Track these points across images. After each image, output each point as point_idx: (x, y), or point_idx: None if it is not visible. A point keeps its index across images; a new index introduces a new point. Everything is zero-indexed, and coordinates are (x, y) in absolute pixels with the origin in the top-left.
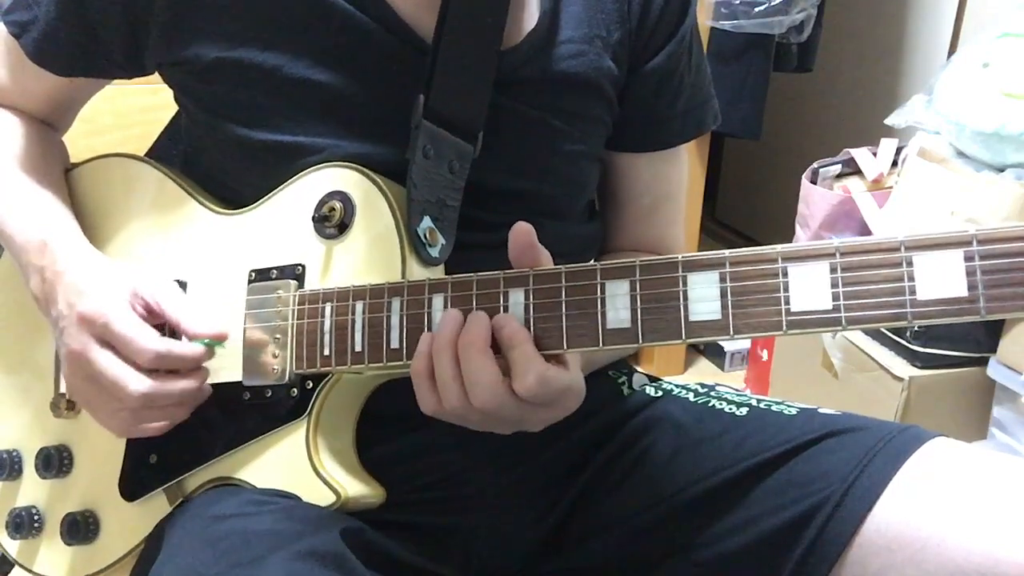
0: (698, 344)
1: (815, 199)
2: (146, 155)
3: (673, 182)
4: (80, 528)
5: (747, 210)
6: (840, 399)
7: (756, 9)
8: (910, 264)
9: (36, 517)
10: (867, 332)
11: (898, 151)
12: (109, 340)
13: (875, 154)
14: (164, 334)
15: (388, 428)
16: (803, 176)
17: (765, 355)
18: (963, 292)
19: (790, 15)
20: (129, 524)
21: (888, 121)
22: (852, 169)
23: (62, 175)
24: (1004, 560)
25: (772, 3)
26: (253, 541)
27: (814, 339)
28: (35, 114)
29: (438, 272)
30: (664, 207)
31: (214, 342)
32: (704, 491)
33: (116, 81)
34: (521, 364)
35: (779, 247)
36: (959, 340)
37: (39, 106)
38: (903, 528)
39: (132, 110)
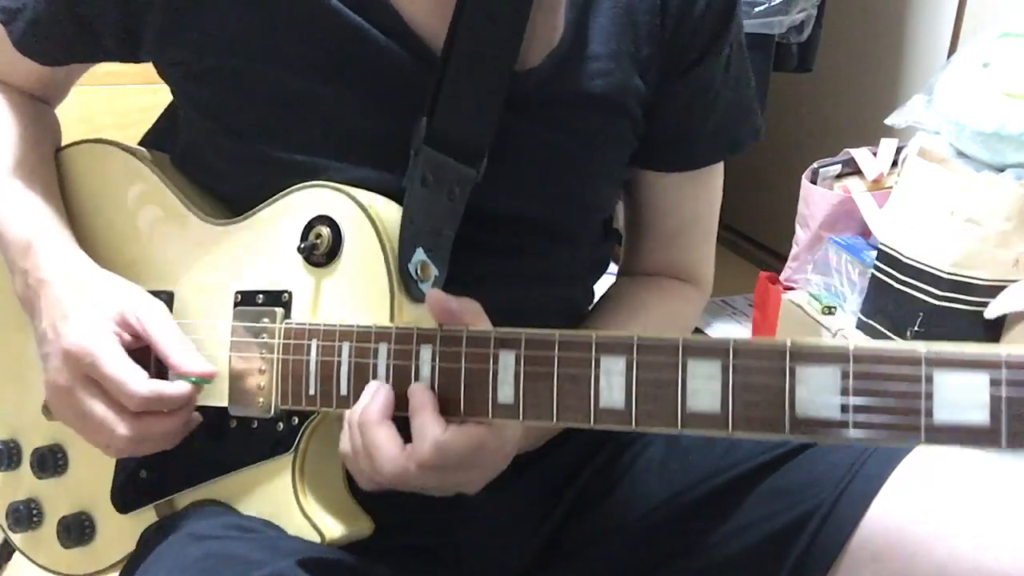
0: None
1: (815, 199)
2: (144, 137)
3: (703, 204)
4: (75, 531)
5: (747, 210)
6: None
7: (756, 9)
8: (929, 381)
9: (35, 511)
10: (867, 332)
11: (898, 151)
12: (96, 379)
13: (875, 154)
14: (149, 358)
15: None
16: (803, 176)
17: None
18: (985, 421)
19: (790, 15)
20: (125, 528)
21: (888, 121)
22: (852, 169)
23: (53, 159)
24: (993, 567)
25: (772, 3)
26: (225, 567)
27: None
28: (27, 91)
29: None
30: (692, 231)
31: (202, 380)
32: (694, 499)
33: (116, 81)
34: (417, 431)
35: (789, 341)
36: (959, 340)
37: (31, 85)
38: (893, 535)
39: (132, 110)
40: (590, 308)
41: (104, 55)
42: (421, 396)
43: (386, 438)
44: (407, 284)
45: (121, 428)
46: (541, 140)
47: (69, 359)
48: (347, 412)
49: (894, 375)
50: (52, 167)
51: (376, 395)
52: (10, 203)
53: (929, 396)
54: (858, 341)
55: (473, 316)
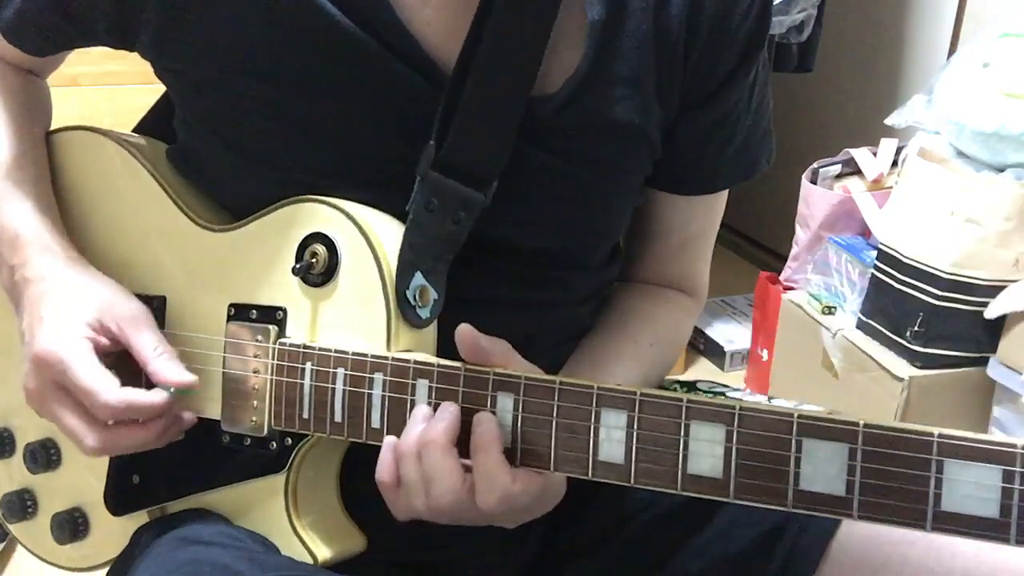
0: (698, 343)
1: (815, 199)
2: (143, 120)
3: (709, 221)
4: (68, 527)
5: (747, 210)
6: (840, 399)
7: None
8: (940, 471)
9: (29, 502)
10: (867, 332)
11: (898, 151)
12: (66, 386)
13: (875, 154)
14: (128, 365)
15: (370, 466)
16: (803, 176)
17: (765, 355)
18: (994, 514)
19: (790, 15)
20: (119, 526)
21: (888, 121)
22: (852, 169)
23: (44, 139)
24: (992, 558)
25: (772, 3)
26: (209, 574)
27: (814, 339)
28: (16, 64)
29: (430, 333)
30: (695, 244)
31: (182, 390)
32: (679, 503)
33: (116, 81)
34: (484, 479)
35: (796, 411)
36: (959, 340)
37: (20, 62)
38: (874, 538)
39: (132, 110)
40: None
41: (96, 43)
42: (490, 434)
43: (452, 468)
44: (404, 310)
45: (89, 439)
46: (554, 169)
47: (39, 364)
48: (390, 440)
49: (904, 461)
50: (44, 151)
51: (442, 416)
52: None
53: (939, 484)
54: (868, 419)
55: (502, 356)
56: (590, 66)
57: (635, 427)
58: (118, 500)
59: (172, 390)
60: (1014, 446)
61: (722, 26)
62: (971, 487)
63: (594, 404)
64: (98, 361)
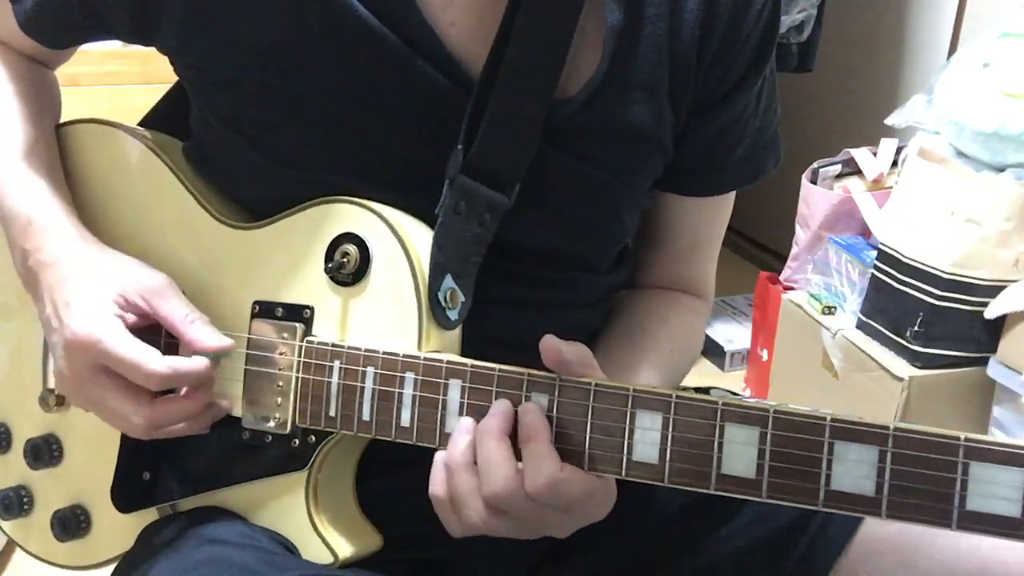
0: None
1: (815, 199)
2: (145, 119)
3: (718, 223)
4: (70, 525)
5: (747, 210)
6: (840, 399)
7: None
8: (965, 473)
9: (26, 498)
10: (867, 332)
11: (898, 151)
12: (107, 365)
13: (875, 154)
14: (158, 337)
15: (384, 465)
16: (803, 176)
17: (765, 355)
18: (1016, 514)
19: (790, 15)
20: (123, 524)
21: (888, 121)
22: (852, 169)
23: (54, 130)
24: (993, 560)
25: (780, 10)
26: (227, 575)
27: (814, 339)
28: (27, 55)
29: (455, 334)
30: (704, 247)
31: (219, 354)
32: (697, 498)
33: (116, 81)
34: (533, 461)
35: (829, 417)
36: (959, 340)
37: (32, 53)
38: (893, 531)
39: (132, 110)
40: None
41: (112, 36)
42: (538, 422)
43: (506, 455)
44: (435, 311)
45: (136, 418)
46: (570, 171)
47: (75, 348)
48: (441, 455)
49: (931, 463)
50: (54, 140)
51: (496, 410)
52: (11, 179)
53: (964, 486)
54: (898, 423)
55: (584, 366)
56: (608, 70)
57: (670, 429)
58: (126, 497)
59: (213, 356)
60: None
61: (734, 34)
62: (995, 488)
63: (629, 406)
64: (132, 336)
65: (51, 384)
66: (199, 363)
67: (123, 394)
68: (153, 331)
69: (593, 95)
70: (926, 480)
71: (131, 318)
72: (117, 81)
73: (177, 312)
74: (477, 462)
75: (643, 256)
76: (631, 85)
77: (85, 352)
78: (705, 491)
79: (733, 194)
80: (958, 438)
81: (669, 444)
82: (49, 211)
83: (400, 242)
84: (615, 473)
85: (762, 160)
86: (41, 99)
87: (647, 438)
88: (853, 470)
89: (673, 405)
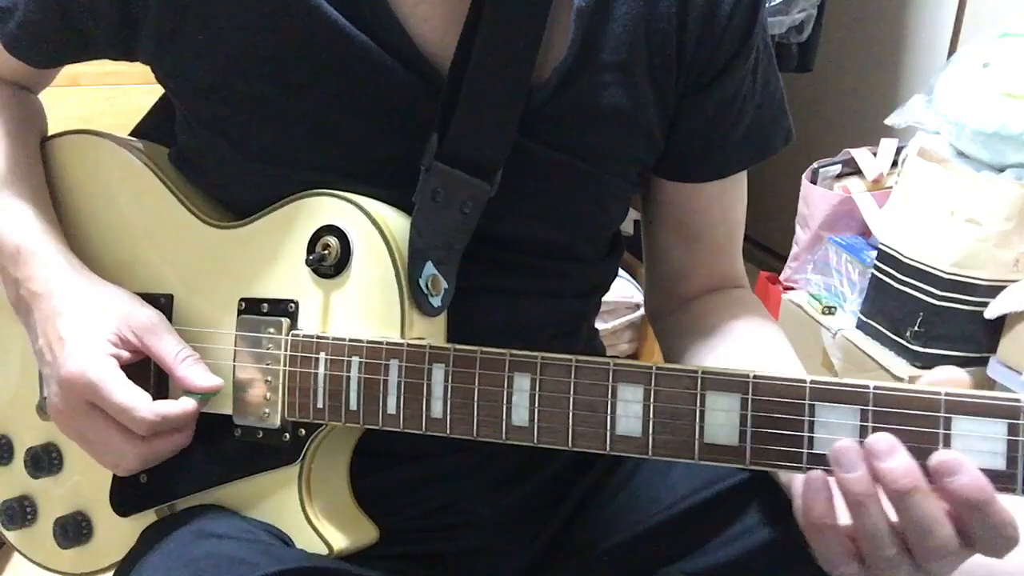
0: None
1: (815, 199)
2: (137, 126)
3: (740, 206)
4: (72, 532)
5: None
6: None
7: None
8: (948, 427)
9: (29, 508)
10: (867, 332)
11: (898, 151)
12: (98, 405)
13: (875, 154)
14: (148, 369)
15: (379, 461)
16: (803, 176)
17: None
18: (1002, 466)
19: (790, 15)
20: (124, 528)
21: (888, 121)
22: (852, 169)
23: (39, 154)
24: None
25: (772, 3)
26: (226, 568)
27: (814, 339)
28: (11, 80)
29: (440, 321)
30: (736, 234)
31: (208, 394)
32: (696, 503)
33: (116, 81)
34: (990, 534)
35: (809, 379)
36: (959, 340)
37: (16, 77)
38: None
39: (132, 110)
40: (707, 350)
41: (97, 56)
42: (981, 480)
43: (941, 515)
44: (417, 298)
45: (131, 454)
46: (547, 159)
47: (69, 386)
48: (820, 476)
49: (912, 419)
50: (39, 163)
51: (903, 455)
52: None
53: (947, 441)
54: (878, 382)
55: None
56: (578, 52)
57: (651, 400)
58: (125, 500)
59: (200, 396)
60: (1018, 401)
61: (717, 9)
62: (979, 441)
63: (610, 380)
64: (125, 377)
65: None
66: (187, 405)
67: (116, 431)
68: (145, 364)
69: (565, 78)
70: (908, 437)
71: (124, 355)
72: (117, 81)
73: (169, 350)
74: (903, 524)
75: (677, 263)
76: (603, 67)
77: (78, 390)
78: (689, 460)
79: (745, 176)
80: (939, 393)
81: (651, 416)
82: (37, 239)
83: (380, 231)
84: (599, 449)
85: (768, 137)
86: (26, 122)
87: (629, 411)
88: (836, 432)
89: (654, 376)
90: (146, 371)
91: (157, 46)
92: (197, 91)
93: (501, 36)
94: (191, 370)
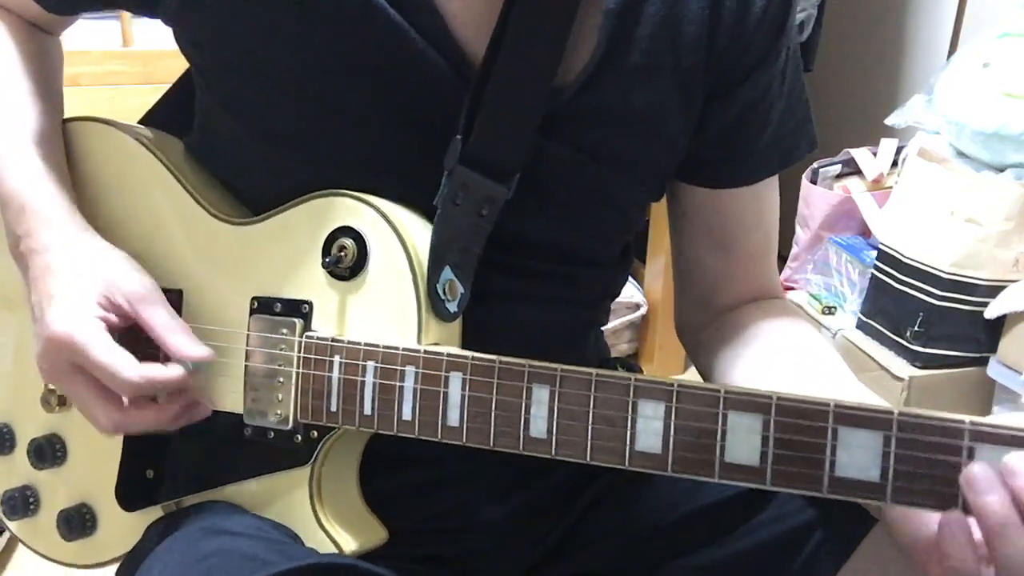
0: None
1: (815, 199)
2: (152, 110)
3: (774, 214)
4: (76, 524)
5: None
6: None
7: None
8: (971, 456)
9: (32, 498)
10: (867, 332)
11: (898, 151)
12: (82, 365)
13: (875, 154)
14: (140, 339)
15: (389, 464)
16: (803, 176)
17: None
18: None
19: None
20: (128, 522)
21: (888, 121)
22: (852, 169)
23: (60, 102)
24: None
25: None
26: (237, 565)
27: None
28: (30, 20)
29: (455, 327)
30: (772, 242)
31: (197, 363)
32: (707, 504)
33: (116, 81)
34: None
35: (832, 403)
36: (959, 340)
37: (37, 18)
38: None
39: (132, 110)
40: (754, 365)
41: (116, 4)
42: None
43: None
44: (435, 303)
45: (104, 420)
46: (568, 162)
47: (53, 345)
48: (961, 519)
49: (936, 446)
50: (59, 117)
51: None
52: (10, 156)
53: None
54: (903, 408)
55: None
56: (604, 55)
57: (672, 417)
58: (130, 495)
59: (190, 365)
60: None
61: (748, 10)
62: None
63: (631, 395)
64: (112, 339)
65: (52, 384)
66: (174, 372)
67: (95, 395)
68: (135, 333)
69: (590, 80)
70: (931, 465)
71: (113, 319)
72: (117, 81)
73: (159, 319)
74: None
75: (714, 267)
76: (630, 69)
77: (62, 350)
78: (709, 479)
79: (777, 182)
80: (963, 421)
81: (672, 433)
82: (43, 198)
83: (397, 235)
84: (618, 464)
85: (793, 144)
86: (44, 64)
87: (650, 427)
88: (858, 456)
89: (675, 394)
90: (137, 341)
91: (179, 10)
92: (218, 64)
93: (528, 36)
94: (181, 339)
